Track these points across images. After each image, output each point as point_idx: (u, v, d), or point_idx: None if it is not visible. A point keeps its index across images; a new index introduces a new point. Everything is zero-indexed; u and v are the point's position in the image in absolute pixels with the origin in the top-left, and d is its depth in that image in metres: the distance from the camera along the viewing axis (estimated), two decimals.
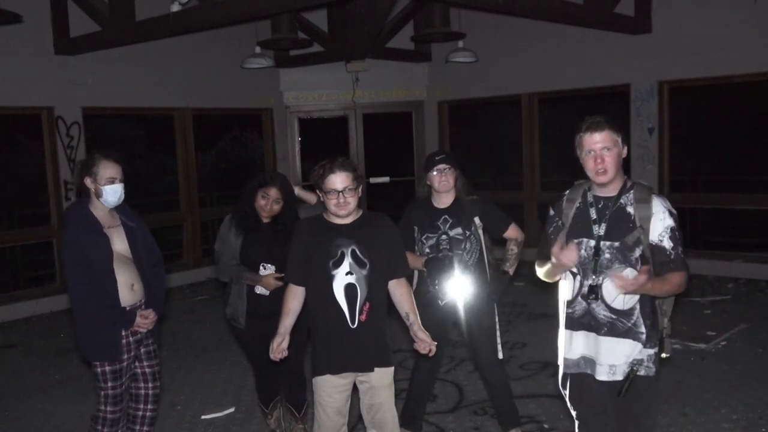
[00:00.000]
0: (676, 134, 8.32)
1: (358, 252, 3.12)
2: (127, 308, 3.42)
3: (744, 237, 8.52)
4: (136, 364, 3.56)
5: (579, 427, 3.03)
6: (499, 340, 3.98)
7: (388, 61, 9.85)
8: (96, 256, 3.33)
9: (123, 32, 7.17)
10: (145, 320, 3.47)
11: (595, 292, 2.75)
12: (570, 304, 2.85)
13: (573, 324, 2.87)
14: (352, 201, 3.10)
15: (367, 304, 3.12)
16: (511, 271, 3.99)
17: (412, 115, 10.61)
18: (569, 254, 2.71)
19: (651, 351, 2.76)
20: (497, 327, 3.97)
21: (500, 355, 3.99)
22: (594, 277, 2.75)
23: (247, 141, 10.30)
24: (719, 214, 8.59)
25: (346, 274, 3.11)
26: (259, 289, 3.87)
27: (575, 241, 2.79)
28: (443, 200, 3.92)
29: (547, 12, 7.26)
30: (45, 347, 6.37)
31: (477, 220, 3.90)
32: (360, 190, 3.16)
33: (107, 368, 3.42)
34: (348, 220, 3.16)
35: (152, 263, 3.59)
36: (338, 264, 3.11)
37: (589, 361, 2.84)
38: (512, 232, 3.97)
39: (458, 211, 3.89)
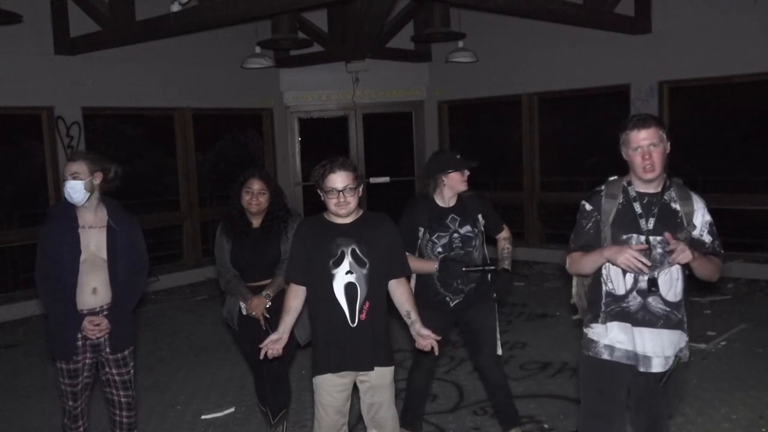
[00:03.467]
0: (676, 134, 8.28)
1: (358, 251, 3.12)
2: (84, 311, 3.37)
3: (744, 237, 8.50)
4: (106, 369, 3.52)
5: (586, 409, 3.02)
6: (498, 336, 4.02)
7: (388, 61, 9.84)
8: (63, 254, 3.31)
9: (123, 32, 7.17)
10: (94, 327, 3.37)
11: (655, 285, 2.80)
12: (623, 299, 2.87)
13: (628, 319, 2.87)
14: (352, 201, 3.11)
15: (367, 303, 3.13)
16: (509, 268, 4.03)
17: (412, 115, 10.60)
18: (634, 254, 2.69)
19: (687, 338, 2.92)
20: (497, 324, 4.02)
21: (499, 351, 4.03)
22: (648, 271, 2.77)
23: (247, 141, 10.29)
24: (719, 214, 8.52)
25: (346, 273, 3.11)
26: (245, 309, 3.88)
27: (624, 236, 2.85)
28: (450, 199, 3.88)
29: (547, 12, 7.26)
30: (45, 347, 6.36)
31: (480, 217, 3.91)
32: (360, 189, 3.17)
33: (63, 366, 3.43)
34: (348, 220, 3.17)
35: (134, 269, 3.51)
36: (338, 263, 3.12)
37: (643, 358, 2.85)
38: (506, 231, 4.09)
39: (463, 208, 3.89)
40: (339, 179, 3.08)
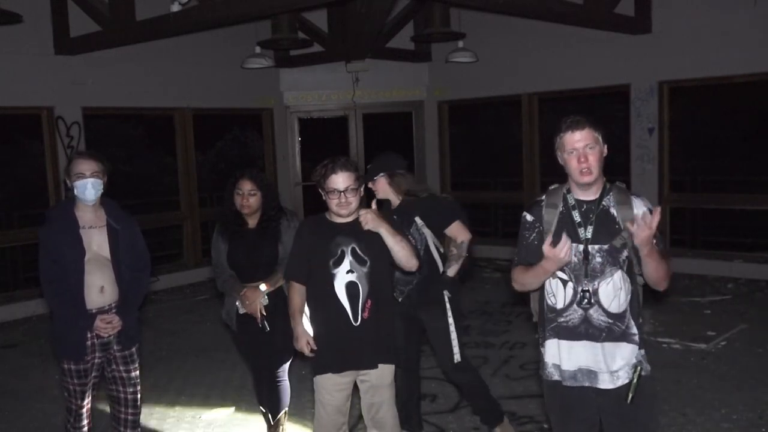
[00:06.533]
0: (676, 134, 8.32)
1: (358, 250, 3.13)
2: (93, 311, 3.38)
3: (744, 237, 8.51)
4: (113, 367, 3.53)
5: None
6: (455, 342, 3.82)
7: (388, 61, 9.85)
8: (67, 255, 3.31)
9: (123, 32, 7.17)
10: (107, 325, 3.39)
11: (589, 297, 2.66)
12: (563, 312, 2.72)
13: (569, 334, 2.72)
14: (353, 201, 3.12)
15: (369, 302, 3.14)
16: (450, 273, 3.83)
17: (412, 115, 10.61)
18: (562, 247, 2.57)
19: (643, 351, 2.72)
20: (451, 329, 3.82)
21: (457, 358, 3.83)
22: (586, 281, 2.66)
23: (247, 141, 10.31)
24: (719, 214, 8.59)
25: (347, 272, 3.12)
26: (242, 309, 3.86)
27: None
28: (393, 202, 3.89)
29: (547, 12, 7.26)
30: (45, 347, 6.36)
31: (418, 219, 3.82)
32: (361, 190, 3.17)
33: (72, 367, 3.42)
34: (349, 219, 3.17)
35: (137, 268, 3.53)
36: (339, 262, 3.12)
37: (587, 373, 2.70)
38: (454, 230, 3.81)
39: (401, 210, 3.85)
40: (341, 180, 3.07)
